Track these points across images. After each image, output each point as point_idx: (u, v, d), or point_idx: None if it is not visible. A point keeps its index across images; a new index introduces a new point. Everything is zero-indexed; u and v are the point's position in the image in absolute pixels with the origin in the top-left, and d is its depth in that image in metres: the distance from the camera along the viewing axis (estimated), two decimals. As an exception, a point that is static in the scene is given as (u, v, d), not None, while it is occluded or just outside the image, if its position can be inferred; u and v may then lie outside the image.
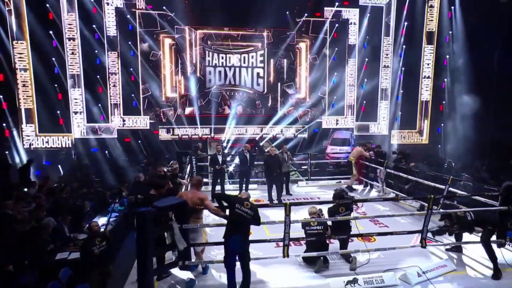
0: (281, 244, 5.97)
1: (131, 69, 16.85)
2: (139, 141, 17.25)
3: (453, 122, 16.81)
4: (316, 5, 17.28)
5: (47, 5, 15.30)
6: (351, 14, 17.54)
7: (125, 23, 16.44)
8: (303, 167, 12.87)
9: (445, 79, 17.35)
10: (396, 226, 7.26)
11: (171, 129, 17.45)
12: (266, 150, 15.56)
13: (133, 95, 17.05)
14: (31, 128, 15.72)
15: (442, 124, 17.51)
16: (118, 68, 16.42)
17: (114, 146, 16.42)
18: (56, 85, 16.04)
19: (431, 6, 17.20)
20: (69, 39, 15.79)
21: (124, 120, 16.93)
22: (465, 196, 6.23)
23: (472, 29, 15.90)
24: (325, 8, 17.45)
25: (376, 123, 17.97)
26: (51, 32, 15.47)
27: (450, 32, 17.02)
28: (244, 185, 9.12)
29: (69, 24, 15.70)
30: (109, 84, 16.48)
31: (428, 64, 17.58)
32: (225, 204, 4.87)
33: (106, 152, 16.47)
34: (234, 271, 4.72)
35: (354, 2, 17.35)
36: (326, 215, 5.87)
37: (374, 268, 5.51)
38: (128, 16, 16.50)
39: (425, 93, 17.71)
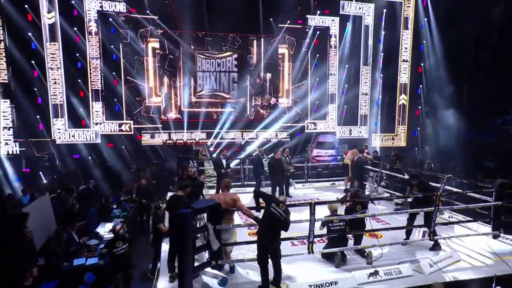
0: (296, 242, 6.35)
1: (114, 73, 16.56)
2: (123, 146, 16.93)
3: (429, 126, 18.00)
4: (299, 13, 17.84)
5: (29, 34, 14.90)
6: (332, 22, 18.25)
7: (107, 27, 16.17)
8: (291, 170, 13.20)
9: (421, 85, 18.52)
10: (396, 222, 7.78)
11: (155, 134, 17.28)
12: (253, 154, 15.86)
13: (116, 99, 16.74)
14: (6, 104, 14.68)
15: (419, 128, 18.66)
16: (99, 53, 15.98)
17: (98, 151, 16.04)
18: (36, 89, 15.49)
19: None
20: (51, 68, 15.31)
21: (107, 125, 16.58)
22: (467, 192, 6.84)
23: (445, 37, 17.13)
24: (307, 16, 18.04)
25: (357, 127, 18.78)
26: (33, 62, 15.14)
27: (424, 42, 18.22)
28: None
29: (52, 54, 15.25)
30: (90, 71, 15.96)
31: (406, 48, 18.57)
32: (261, 203, 5.09)
33: (90, 157, 16.07)
34: (267, 268, 4.96)
35: (335, 11, 18.08)
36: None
37: (388, 261, 5.93)
38: (111, 19, 16.22)
39: (404, 76, 18.67)
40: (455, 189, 7.65)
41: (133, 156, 16.83)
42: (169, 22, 16.74)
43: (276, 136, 18.08)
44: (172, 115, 17.43)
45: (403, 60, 18.52)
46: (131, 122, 16.90)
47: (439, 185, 7.71)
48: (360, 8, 18.10)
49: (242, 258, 5.53)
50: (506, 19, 14.98)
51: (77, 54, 15.96)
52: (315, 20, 17.99)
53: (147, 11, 16.54)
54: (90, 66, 15.96)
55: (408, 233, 6.72)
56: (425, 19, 17.96)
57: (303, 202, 5.94)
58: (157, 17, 16.68)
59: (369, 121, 18.67)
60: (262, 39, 17.81)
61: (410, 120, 18.60)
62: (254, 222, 5.20)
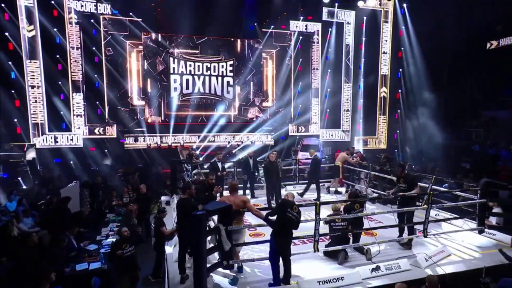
0: (297, 241, 6.54)
1: (95, 75, 16.24)
2: (106, 150, 16.59)
3: (408, 129, 18.86)
4: (283, 18, 18.19)
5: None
6: (314, 28, 18.75)
7: (89, 28, 15.86)
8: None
9: (399, 90, 19.35)
10: (387, 221, 8.16)
11: (138, 138, 17.04)
12: (239, 158, 15.96)
13: (98, 102, 16.41)
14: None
15: (398, 131, 19.48)
16: (80, 43, 15.59)
17: (82, 155, 15.66)
18: (13, 91, 14.94)
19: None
20: (32, 87, 14.88)
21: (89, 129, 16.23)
22: (455, 191, 7.32)
23: (423, 45, 18.03)
24: (290, 21, 18.43)
25: (339, 130, 19.36)
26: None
27: (402, 48, 19.07)
28: (248, 190, 9.49)
29: (32, 72, 14.83)
30: (70, 61, 15.51)
31: (386, 41, 19.31)
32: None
33: (72, 162, 15.65)
34: (279, 266, 5.17)
35: (317, 17, 18.59)
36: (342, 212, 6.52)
37: (386, 257, 6.27)
38: (92, 20, 15.93)
39: (384, 67, 19.38)
40: (442, 188, 8.15)
41: (117, 160, 16.50)
42: (154, 24, 16.64)
43: (262, 140, 18.26)
44: (157, 118, 17.24)
45: (383, 52, 19.29)
46: (114, 125, 16.61)
47: (426, 185, 8.19)
48: (345, 14, 18.75)
49: (252, 258, 5.68)
50: (479, 27, 15.97)
51: (58, 56, 15.52)
52: (298, 26, 18.39)
53: (130, 13, 16.33)
54: (69, 56, 15.51)
55: (401, 231, 7.09)
56: (403, 27, 18.81)
57: (309, 203, 6.16)
58: (140, 19, 16.49)
59: (351, 127, 19.33)
60: (246, 43, 17.98)
61: (390, 123, 19.40)
62: (264, 222, 5.36)
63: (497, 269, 5.93)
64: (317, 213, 5.70)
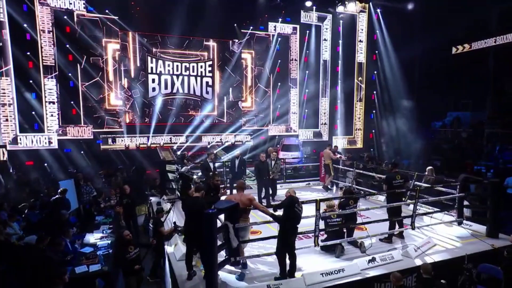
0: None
1: (70, 74, 15.72)
2: (82, 152, 16.10)
3: (383, 129, 19.74)
4: (264, 19, 18.45)
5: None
6: (293, 30, 19.16)
7: (62, 26, 15.32)
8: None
9: (374, 91, 20.17)
10: (374, 216, 8.59)
11: (116, 139, 16.67)
12: (223, 158, 16.04)
13: (72, 102, 15.89)
14: None
15: (373, 130, 20.31)
16: (51, 26, 14.94)
17: (57, 157, 15.09)
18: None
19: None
20: (3, 105, 14.11)
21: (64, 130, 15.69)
22: (436, 186, 7.88)
23: (396, 48, 18.93)
24: (269, 23, 18.72)
25: (317, 129, 19.89)
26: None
27: (377, 51, 19.90)
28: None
29: (3, 89, 14.10)
30: (41, 44, 14.77)
31: (362, 30, 19.95)
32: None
33: (46, 164, 15.05)
34: (285, 259, 5.38)
35: (296, 19, 19.00)
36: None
37: (378, 249, 6.67)
38: (66, 17, 15.40)
39: (360, 55, 20.07)
40: (424, 184, 8.73)
41: (93, 162, 16.03)
42: (132, 23, 16.32)
43: (242, 141, 18.40)
44: (136, 118, 16.92)
45: (359, 41, 19.98)
46: (91, 126, 16.16)
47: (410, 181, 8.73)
48: (324, 18, 19.30)
49: (257, 254, 5.86)
50: (446, 33, 17.05)
51: (28, 53, 14.84)
52: (277, 28, 18.71)
53: (106, 11, 15.96)
54: (40, 39, 14.74)
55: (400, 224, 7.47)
56: (378, 31, 19.64)
57: (310, 199, 6.42)
58: (117, 17, 16.16)
59: (328, 127, 19.92)
60: (226, 44, 18.05)
61: (366, 123, 20.20)
62: (271, 219, 5.56)
63: (477, 256, 6.49)
64: (317, 209, 5.98)
